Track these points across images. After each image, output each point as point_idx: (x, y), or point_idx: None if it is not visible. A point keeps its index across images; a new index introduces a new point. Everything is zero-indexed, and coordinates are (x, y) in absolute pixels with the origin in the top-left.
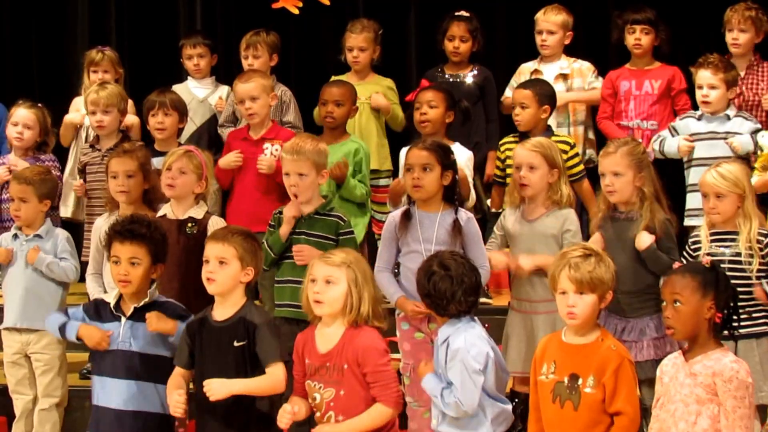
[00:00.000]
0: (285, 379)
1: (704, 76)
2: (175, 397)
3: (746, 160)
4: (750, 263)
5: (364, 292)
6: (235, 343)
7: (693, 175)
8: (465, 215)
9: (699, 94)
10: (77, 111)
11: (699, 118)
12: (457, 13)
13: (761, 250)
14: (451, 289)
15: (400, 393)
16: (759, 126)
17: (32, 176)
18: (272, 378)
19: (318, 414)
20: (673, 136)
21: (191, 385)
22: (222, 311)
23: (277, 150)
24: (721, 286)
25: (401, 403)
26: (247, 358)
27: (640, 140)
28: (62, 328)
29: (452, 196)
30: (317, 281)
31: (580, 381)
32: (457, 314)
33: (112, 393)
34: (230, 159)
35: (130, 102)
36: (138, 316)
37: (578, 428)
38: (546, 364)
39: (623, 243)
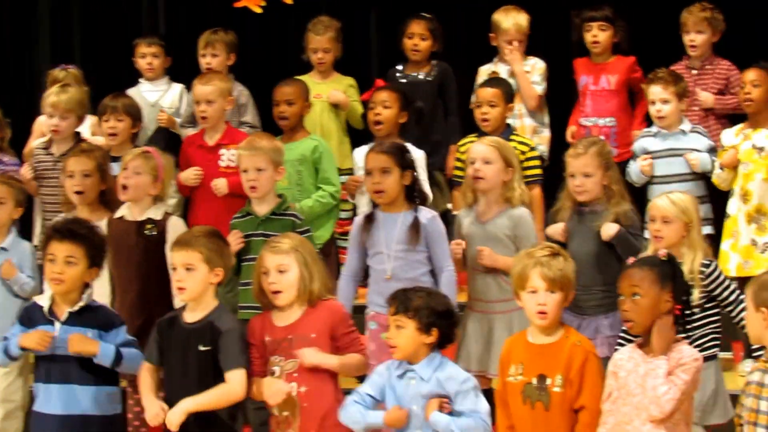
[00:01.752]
0: (243, 386)
1: (656, 91)
2: (154, 410)
3: (703, 177)
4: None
5: (314, 272)
6: (200, 347)
7: (654, 193)
8: (428, 214)
9: (653, 110)
10: (42, 134)
11: (655, 135)
12: (416, 12)
13: (702, 280)
14: (457, 323)
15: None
16: (713, 144)
17: (9, 180)
18: (228, 387)
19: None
20: (635, 160)
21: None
22: (193, 313)
23: (233, 155)
24: (678, 278)
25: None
26: (210, 363)
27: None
28: (6, 350)
29: (413, 195)
30: (270, 272)
31: (549, 381)
32: (443, 347)
33: (51, 399)
34: (189, 176)
35: (93, 118)
36: (73, 320)
37: (551, 428)
38: (513, 365)
39: (587, 236)
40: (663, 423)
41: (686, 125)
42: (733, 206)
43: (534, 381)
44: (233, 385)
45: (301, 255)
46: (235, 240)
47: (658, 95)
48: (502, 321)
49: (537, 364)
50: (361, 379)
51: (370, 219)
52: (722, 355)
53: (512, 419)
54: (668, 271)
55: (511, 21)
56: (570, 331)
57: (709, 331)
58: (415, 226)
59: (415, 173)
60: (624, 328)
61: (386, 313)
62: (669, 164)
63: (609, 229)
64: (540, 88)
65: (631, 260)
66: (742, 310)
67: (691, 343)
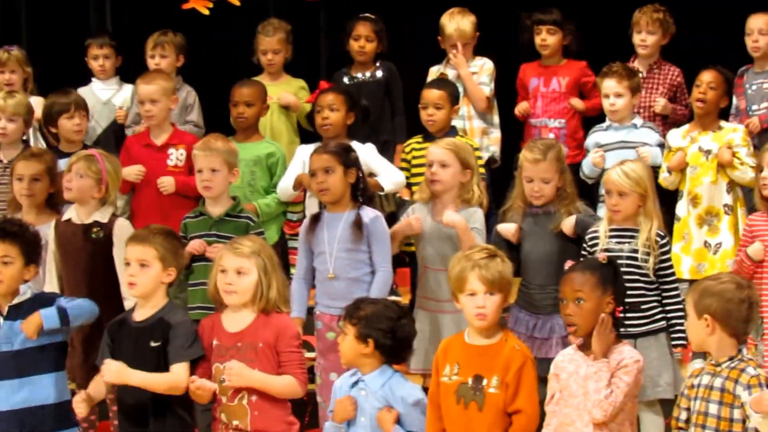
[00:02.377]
0: (186, 379)
1: (609, 85)
2: (75, 400)
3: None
4: (646, 261)
5: (273, 280)
6: (152, 344)
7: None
8: (371, 213)
9: (606, 104)
10: None
11: (606, 129)
12: (363, 15)
13: (657, 249)
14: (411, 340)
15: (306, 378)
16: (663, 140)
17: None
18: (172, 377)
19: (224, 398)
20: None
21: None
22: (142, 312)
23: (182, 155)
24: (619, 280)
25: (306, 389)
26: (163, 359)
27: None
28: None
29: (357, 194)
30: (228, 272)
31: (485, 382)
32: (400, 362)
33: (1, 395)
34: (132, 173)
35: (37, 99)
36: (14, 314)
37: (483, 429)
38: (449, 365)
39: (542, 236)
40: (606, 425)
41: (638, 120)
42: (683, 209)
43: (470, 381)
44: (176, 377)
45: (261, 260)
46: (198, 247)
47: (612, 89)
48: (451, 320)
49: (474, 364)
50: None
51: (316, 219)
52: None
53: (443, 422)
54: (609, 273)
55: (454, 26)
56: (509, 334)
57: (657, 303)
58: (358, 225)
59: (360, 172)
60: None
61: (331, 312)
62: (619, 156)
63: (568, 222)
64: (488, 89)
65: (569, 264)
66: (678, 302)
67: (645, 317)
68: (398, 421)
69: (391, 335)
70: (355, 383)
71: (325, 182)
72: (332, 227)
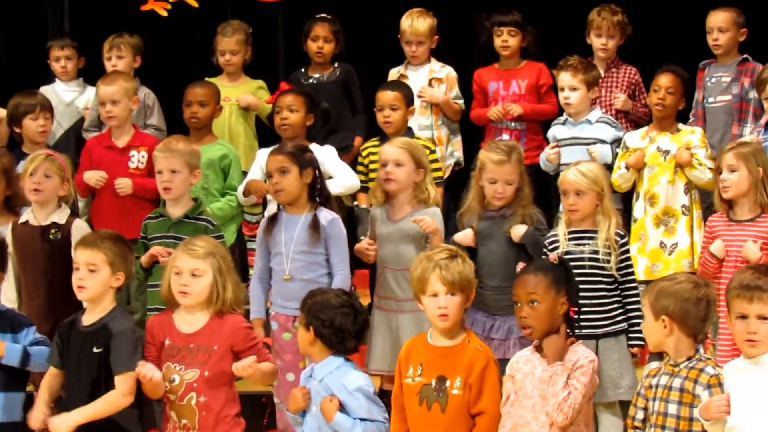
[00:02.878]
0: (130, 390)
1: (564, 78)
2: (36, 415)
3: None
4: (608, 261)
5: (228, 281)
6: (95, 350)
7: None
8: (328, 216)
9: (561, 97)
10: None
11: (564, 123)
12: (319, 15)
13: (618, 248)
14: (355, 326)
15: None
16: (621, 134)
17: None
18: (114, 394)
19: (174, 396)
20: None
21: None
22: (90, 316)
23: (143, 157)
24: (572, 280)
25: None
26: (104, 365)
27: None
28: None
29: (314, 195)
30: (183, 274)
31: (448, 383)
32: (347, 351)
33: None
34: (93, 178)
35: None
36: None
37: (445, 430)
38: (412, 366)
39: (496, 238)
40: (565, 427)
41: (594, 115)
42: (639, 210)
43: (433, 382)
44: (119, 391)
45: (216, 261)
46: (161, 251)
47: (567, 82)
48: (411, 321)
49: (437, 365)
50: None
51: (273, 220)
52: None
53: (407, 423)
54: (562, 274)
55: (409, 22)
56: (471, 335)
57: (618, 305)
58: (315, 227)
59: (317, 172)
60: None
61: (286, 313)
62: (572, 153)
63: (518, 231)
64: (461, 102)
65: (520, 266)
66: (638, 302)
67: (606, 318)
68: (343, 409)
69: (329, 324)
70: (311, 374)
71: (280, 183)
72: (289, 228)
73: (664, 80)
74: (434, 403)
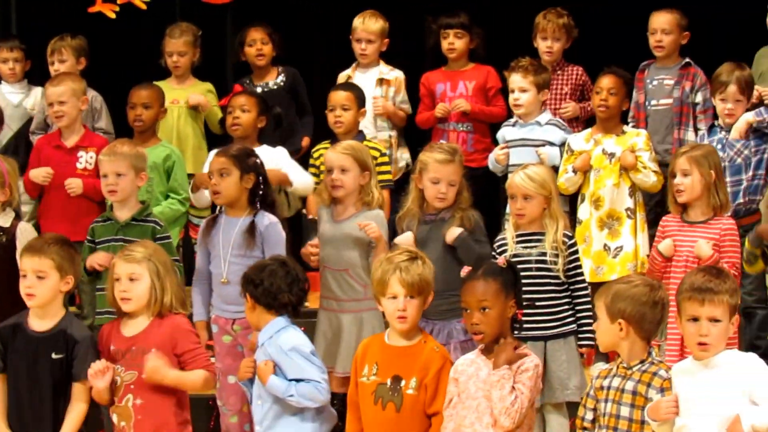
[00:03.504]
0: (87, 396)
1: (515, 79)
2: None
3: (555, 169)
4: (555, 263)
5: (167, 283)
6: (54, 356)
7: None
8: (266, 220)
9: (511, 98)
10: None
11: (514, 125)
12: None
13: (566, 250)
14: (286, 281)
15: (215, 369)
16: (568, 136)
17: None
18: (78, 407)
19: (116, 398)
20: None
21: None
22: (41, 321)
23: (92, 158)
24: (519, 283)
25: (216, 380)
26: (64, 371)
27: (456, 143)
28: None
29: (255, 199)
30: (121, 280)
31: (403, 383)
32: (284, 306)
33: None
34: (40, 175)
35: None
36: None
37: (399, 429)
38: (368, 365)
39: (435, 242)
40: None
41: (544, 117)
42: (585, 212)
43: (388, 382)
44: (84, 399)
45: (153, 265)
46: (101, 261)
47: (518, 84)
48: (352, 321)
49: (393, 365)
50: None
51: (213, 222)
52: None
53: (361, 423)
54: (510, 278)
55: (360, 21)
56: (428, 336)
57: (567, 306)
58: (251, 231)
59: (260, 177)
60: None
61: (225, 316)
62: (521, 154)
63: (452, 233)
64: (408, 106)
65: (465, 271)
66: (588, 302)
67: (555, 320)
68: (279, 373)
69: (259, 282)
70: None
71: (219, 185)
72: (227, 231)
73: (606, 82)
74: (389, 403)
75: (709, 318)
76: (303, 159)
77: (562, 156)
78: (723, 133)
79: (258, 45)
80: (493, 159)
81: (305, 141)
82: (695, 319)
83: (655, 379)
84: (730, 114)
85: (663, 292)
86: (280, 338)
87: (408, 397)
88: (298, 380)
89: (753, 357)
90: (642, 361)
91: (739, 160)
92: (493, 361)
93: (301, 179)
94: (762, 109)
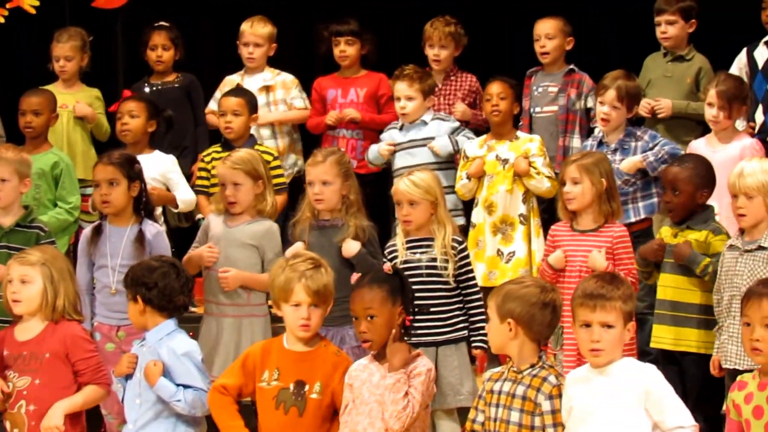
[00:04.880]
0: None
1: (400, 88)
2: None
3: (451, 162)
4: (446, 268)
5: (60, 288)
6: None
7: None
8: (153, 229)
9: (398, 106)
10: None
11: (400, 129)
12: (156, 24)
13: (456, 255)
14: (179, 282)
15: (109, 377)
16: (456, 124)
17: None
18: None
19: (8, 405)
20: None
21: None
22: None
23: None
24: (406, 289)
25: (110, 390)
26: None
27: (343, 149)
28: None
29: (140, 207)
30: (13, 281)
31: (307, 387)
32: (177, 309)
33: None
34: None
35: None
36: None
37: None
38: (268, 370)
39: (328, 249)
40: None
41: (428, 116)
42: (478, 217)
43: (291, 387)
44: None
45: (48, 269)
46: None
47: (403, 92)
48: (232, 325)
49: (295, 370)
50: None
51: (98, 231)
52: None
53: (240, 419)
54: (397, 284)
55: (249, 24)
56: (326, 340)
57: (459, 312)
58: (140, 240)
59: (143, 184)
60: None
61: (110, 323)
62: (412, 155)
63: (350, 249)
64: (303, 103)
65: (354, 278)
66: (480, 306)
67: (447, 325)
68: (167, 375)
69: (153, 285)
70: (142, 342)
71: (109, 195)
72: (115, 241)
73: (494, 88)
74: (292, 408)
75: (600, 323)
76: (193, 161)
77: (453, 142)
78: (599, 132)
79: (159, 51)
80: (376, 151)
81: (199, 156)
82: (587, 325)
83: (544, 385)
84: (605, 119)
85: (555, 294)
86: (173, 341)
87: (312, 401)
88: (185, 386)
89: (650, 367)
90: (533, 365)
91: (626, 187)
92: (388, 364)
93: (184, 197)
94: (651, 157)
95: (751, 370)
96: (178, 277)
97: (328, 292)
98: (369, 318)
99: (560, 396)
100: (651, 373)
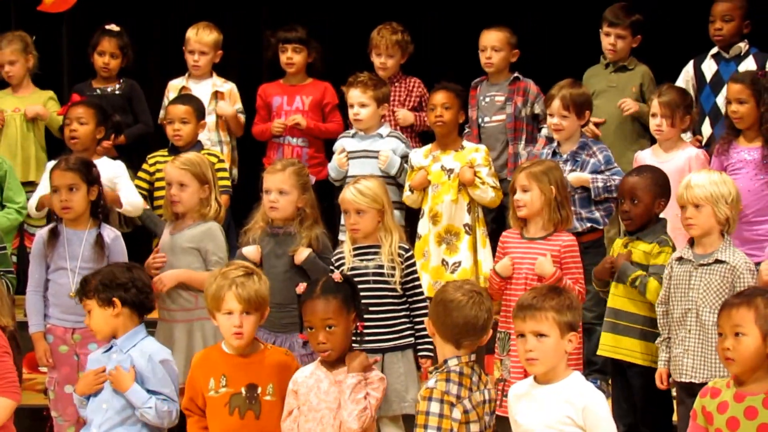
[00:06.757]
0: None
1: (354, 95)
2: None
3: (396, 183)
4: (393, 275)
5: None
6: None
7: None
8: (111, 233)
9: (351, 113)
10: None
11: (353, 136)
12: (107, 27)
13: (402, 262)
14: (148, 285)
15: (18, 384)
16: (409, 151)
17: None
18: None
19: None
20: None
21: None
22: None
23: None
24: (357, 296)
25: (20, 394)
26: None
27: (295, 158)
28: None
29: (98, 211)
30: None
31: (260, 390)
32: (148, 311)
33: None
34: None
35: None
36: None
37: None
38: (213, 379)
39: (282, 257)
40: None
41: (385, 130)
42: (424, 227)
43: (243, 391)
44: None
45: None
46: None
47: (357, 99)
48: (182, 330)
49: (244, 373)
50: None
51: (55, 234)
52: None
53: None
54: (348, 292)
55: (194, 32)
56: (266, 343)
57: (405, 319)
58: (100, 244)
59: (101, 188)
60: None
61: (64, 325)
62: (363, 165)
63: (301, 255)
64: (243, 116)
65: (301, 288)
66: (425, 314)
67: (393, 332)
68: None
69: (132, 284)
70: (109, 349)
71: (69, 200)
72: (73, 244)
73: (439, 97)
74: (248, 411)
75: (532, 332)
76: (137, 164)
77: (400, 168)
78: (555, 143)
79: (106, 58)
80: (335, 165)
81: (120, 139)
82: (522, 335)
83: (425, 388)
84: (556, 129)
85: (460, 294)
86: (148, 347)
87: (266, 403)
88: (154, 392)
89: (592, 387)
90: (436, 368)
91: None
92: (347, 366)
93: (131, 200)
94: (600, 183)
95: (706, 383)
96: (148, 279)
97: (260, 299)
98: (328, 328)
99: (429, 400)
100: (592, 392)
